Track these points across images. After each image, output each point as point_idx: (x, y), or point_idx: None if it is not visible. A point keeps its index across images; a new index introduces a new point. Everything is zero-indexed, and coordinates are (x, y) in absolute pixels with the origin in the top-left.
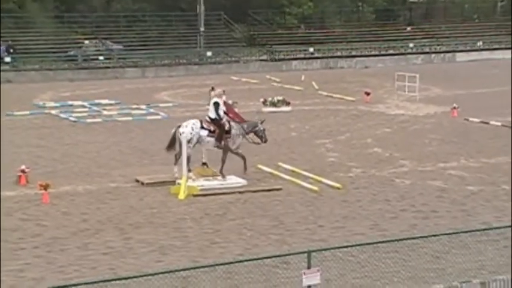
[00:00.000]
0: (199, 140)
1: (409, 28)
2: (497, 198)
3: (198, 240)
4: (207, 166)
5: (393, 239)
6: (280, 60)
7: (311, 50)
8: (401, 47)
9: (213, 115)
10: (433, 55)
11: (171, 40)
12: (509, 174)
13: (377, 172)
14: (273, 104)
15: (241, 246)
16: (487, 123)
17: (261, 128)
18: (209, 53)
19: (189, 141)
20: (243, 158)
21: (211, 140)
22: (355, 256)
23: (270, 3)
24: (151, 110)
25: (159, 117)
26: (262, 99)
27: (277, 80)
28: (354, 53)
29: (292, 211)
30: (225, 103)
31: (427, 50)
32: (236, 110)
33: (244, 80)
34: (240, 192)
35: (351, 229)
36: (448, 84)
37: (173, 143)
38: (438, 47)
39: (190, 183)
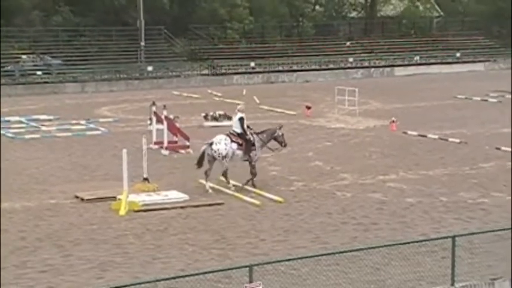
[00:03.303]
0: (231, 154)
1: (348, 43)
2: (435, 210)
3: (140, 256)
4: (148, 181)
5: (334, 252)
6: (221, 74)
7: (252, 64)
8: (341, 61)
9: (238, 130)
10: (372, 69)
11: (111, 55)
12: (447, 186)
13: (318, 185)
14: (215, 119)
15: (183, 262)
16: (424, 136)
17: (280, 134)
18: (150, 68)
19: (225, 157)
20: (255, 174)
21: (240, 153)
22: (297, 269)
23: (211, 18)
24: (91, 126)
25: (99, 132)
26: (203, 114)
27: (219, 94)
28: (294, 67)
29: (234, 225)
30: (166, 118)
31: (366, 64)
32: (177, 124)
33: (185, 94)
34: (181, 207)
35: (292, 242)
36: (387, 98)
37: (202, 159)
38: (377, 62)
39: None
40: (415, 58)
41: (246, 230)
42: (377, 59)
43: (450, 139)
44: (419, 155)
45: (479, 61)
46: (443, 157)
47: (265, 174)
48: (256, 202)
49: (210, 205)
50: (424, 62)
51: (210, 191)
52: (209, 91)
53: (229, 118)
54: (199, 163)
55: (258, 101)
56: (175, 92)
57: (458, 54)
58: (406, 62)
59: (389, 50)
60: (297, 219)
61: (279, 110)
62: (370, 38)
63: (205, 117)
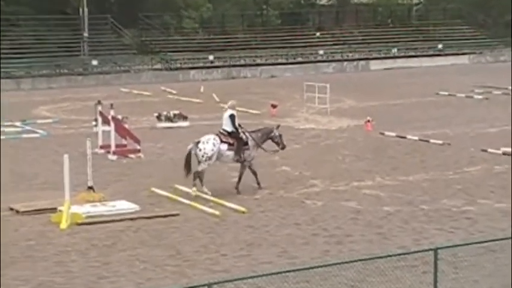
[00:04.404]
0: (219, 156)
1: (318, 33)
2: (416, 220)
3: (84, 275)
4: (93, 190)
5: (304, 267)
6: (176, 69)
7: (211, 57)
8: (311, 54)
9: (229, 128)
10: (345, 63)
11: (50, 47)
12: (428, 193)
13: (285, 193)
14: (169, 119)
15: (133, 281)
16: (403, 137)
17: (277, 134)
18: (95, 62)
19: (210, 158)
20: (255, 172)
21: (231, 153)
22: None
23: (164, 6)
24: (28, 128)
25: (37, 135)
26: (156, 114)
27: (173, 91)
28: (258, 61)
29: (191, 239)
30: (113, 118)
31: (338, 57)
32: (126, 126)
33: (135, 92)
34: (131, 219)
35: (256, 257)
36: (362, 95)
37: (189, 162)
38: (350, 54)
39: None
40: (392, 50)
41: (204, 244)
42: (350, 52)
43: (432, 140)
44: (397, 158)
45: (464, 53)
46: (424, 160)
47: (226, 181)
48: (216, 212)
49: (163, 216)
50: (402, 54)
51: (209, 193)
52: (162, 88)
53: (185, 118)
54: (187, 167)
55: (217, 99)
56: (124, 89)
57: (440, 46)
58: (382, 55)
59: (363, 42)
60: (261, 231)
61: (241, 109)
62: (343, 28)
63: (158, 118)
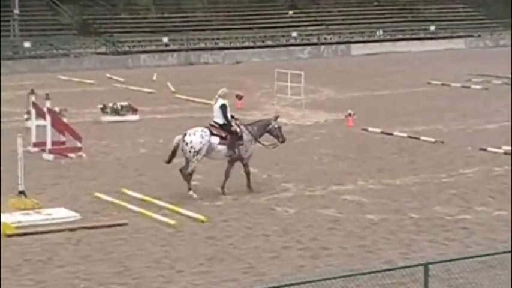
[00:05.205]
0: (209, 150)
1: (291, 12)
2: (403, 230)
3: None
4: (26, 196)
5: (273, 286)
6: (124, 53)
7: (165, 40)
8: (282, 36)
9: (220, 120)
10: (322, 47)
11: None
12: (418, 198)
13: (252, 199)
14: (115, 112)
15: None
16: (390, 134)
17: (275, 126)
18: (27, 44)
19: (198, 153)
20: (248, 172)
21: (223, 148)
22: None
23: None
24: None
25: None
26: (100, 106)
27: (121, 79)
28: (221, 44)
29: (141, 253)
30: (49, 111)
31: (314, 40)
32: (65, 120)
33: (76, 79)
34: (70, 230)
35: (218, 274)
36: (342, 85)
37: (174, 155)
38: (328, 37)
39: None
40: (377, 32)
41: (157, 259)
42: (328, 34)
43: (422, 138)
44: (383, 158)
45: (459, 36)
46: (414, 161)
47: (183, 184)
48: (171, 222)
49: (109, 226)
50: (388, 37)
51: (195, 195)
52: (108, 75)
53: (135, 111)
54: (171, 159)
55: (172, 89)
56: (63, 77)
57: (432, 28)
58: (365, 38)
59: (344, 22)
60: (224, 243)
61: (200, 100)
62: (320, 6)
63: (103, 110)
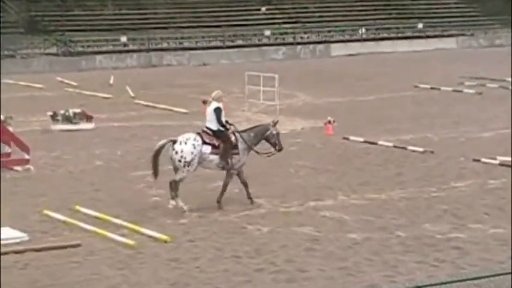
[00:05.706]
0: (201, 160)
1: (263, 9)
2: (389, 250)
3: None
4: None
5: None
6: (77, 54)
7: (123, 39)
8: (254, 35)
9: (214, 125)
10: (298, 47)
11: None
12: (405, 215)
13: (221, 216)
14: (68, 120)
15: None
16: (374, 143)
17: (274, 133)
18: None
19: (189, 164)
20: (245, 183)
21: (215, 158)
22: None
23: None
24: None
25: None
26: (50, 113)
27: (74, 83)
28: (186, 44)
29: (96, 277)
30: None
31: (290, 40)
32: (10, 128)
33: (23, 83)
34: (17, 252)
35: None
36: (320, 89)
37: (157, 164)
38: (305, 36)
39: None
40: (359, 31)
41: (114, 285)
42: (305, 33)
43: (410, 147)
44: (366, 170)
45: (450, 35)
46: (401, 173)
47: (143, 200)
48: (130, 242)
49: (60, 248)
50: (372, 36)
51: (185, 207)
52: (59, 79)
53: (89, 118)
54: (155, 168)
55: (132, 94)
56: (8, 80)
57: (420, 26)
58: (347, 37)
59: (323, 20)
60: (189, 266)
61: (163, 106)
62: (295, 2)
63: (54, 118)
